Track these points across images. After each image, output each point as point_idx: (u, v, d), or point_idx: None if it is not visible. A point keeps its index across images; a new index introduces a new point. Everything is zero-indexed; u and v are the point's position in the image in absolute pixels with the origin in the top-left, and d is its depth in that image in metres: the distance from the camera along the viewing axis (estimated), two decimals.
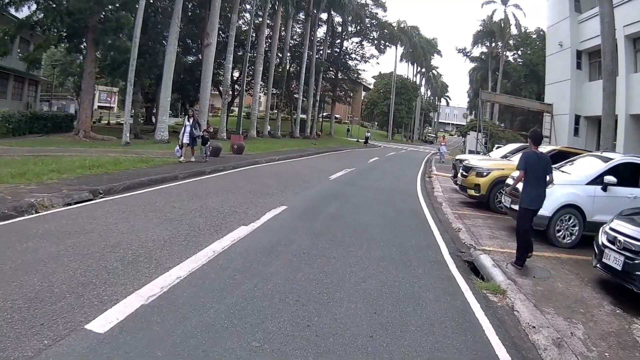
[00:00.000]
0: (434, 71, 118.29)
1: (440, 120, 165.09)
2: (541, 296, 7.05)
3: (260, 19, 49.02)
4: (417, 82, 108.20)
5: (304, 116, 62.50)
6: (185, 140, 18.91)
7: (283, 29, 56.17)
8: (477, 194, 15.06)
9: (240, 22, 49.89)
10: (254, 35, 47.73)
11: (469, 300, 6.60)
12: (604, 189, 10.79)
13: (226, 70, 39.88)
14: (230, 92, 50.77)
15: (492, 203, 14.65)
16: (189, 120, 19.41)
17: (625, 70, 28.12)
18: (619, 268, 7.15)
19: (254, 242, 8.09)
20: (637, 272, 6.89)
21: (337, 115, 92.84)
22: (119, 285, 5.50)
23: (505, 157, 18.82)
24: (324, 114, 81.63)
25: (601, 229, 8.38)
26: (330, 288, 6.30)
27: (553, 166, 10.76)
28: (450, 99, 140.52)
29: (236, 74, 56.74)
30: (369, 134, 67.04)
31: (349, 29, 69.67)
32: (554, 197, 10.51)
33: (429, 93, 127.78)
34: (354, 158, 34.51)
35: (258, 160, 22.88)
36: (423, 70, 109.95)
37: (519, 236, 8.65)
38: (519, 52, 77.69)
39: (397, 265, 7.79)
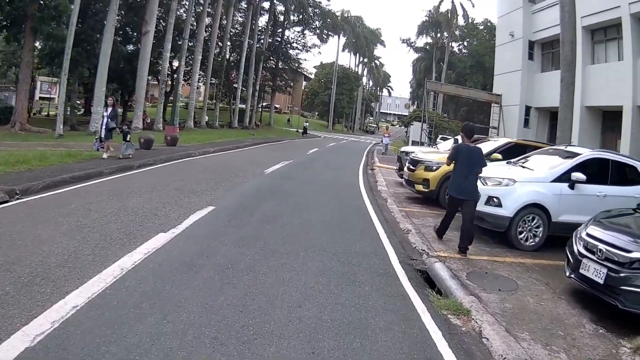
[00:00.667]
0: (376, 61, 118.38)
1: (382, 111, 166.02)
2: (512, 316, 6.20)
3: (201, 7, 47.24)
4: (359, 72, 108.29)
5: (244, 106, 61.29)
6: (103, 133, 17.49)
7: (224, 17, 54.63)
8: (426, 190, 14.21)
9: (181, 11, 48.14)
10: (195, 23, 46.69)
11: (427, 327, 5.65)
12: (572, 187, 10.04)
13: (164, 59, 38.49)
14: (170, 82, 49.49)
15: (443, 199, 13.53)
16: (106, 110, 17.88)
17: (582, 62, 27.95)
18: (601, 281, 6.43)
19: (171, 255, 6.97)
20: (622, 287, 6.17)
21: (277, 105, 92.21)
22: (5, 319, 4.48)
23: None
24: (264, 104, 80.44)
25: (575, 234, 7.69)
26: (257, 317, 5.22)
27: (512, 161, 11.73)
28: (392, 89, 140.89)
29: (177, 64, 54.09)
30: (307, 123, 64.98)
31: (292, 18, 68.47)
32: (516, 196, 9.96)
33: (371, 83, 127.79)
34: (293, 149, 33.59)
35: (191, 152, 21.72)
36: (365, 60, 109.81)
37: (445, 220, 9.95)
38: (465, 43, 78.84)
39: (340, 282, 6.72)
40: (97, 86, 30.37)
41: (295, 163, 22.78)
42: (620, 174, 10.94)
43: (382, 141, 43.12)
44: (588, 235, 7.12)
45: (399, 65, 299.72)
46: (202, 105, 54.25)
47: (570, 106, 17.27)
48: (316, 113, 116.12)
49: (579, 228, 7.73)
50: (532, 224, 9.98)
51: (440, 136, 45.46)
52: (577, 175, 9.90)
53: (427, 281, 7.63)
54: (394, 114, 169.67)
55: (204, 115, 49.91)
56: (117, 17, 33.11)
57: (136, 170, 15.26)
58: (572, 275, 7.11)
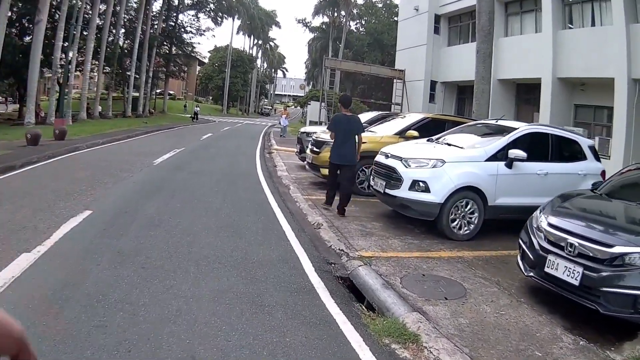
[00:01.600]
0: (271, 43, 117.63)
1: (277, 92, 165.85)
2: (473, 336, 5.12)
3: None
4: (254, 55, 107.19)
5: (139, 94, 59.25)
6: None
7: (118, 3, 52.03)
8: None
9: None
10: (90, 11, 44.62)
11: None
12: (509, 166, 9.25)
13: (56, 48, 36.05)
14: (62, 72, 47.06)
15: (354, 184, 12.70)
16: None
17: (495, 34, 28.24)
18: (576, 282, 5.47)
19: (31, 286, 5.49)
20: (603, 288, 5.27)
21: (171, 92, 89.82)
22: None
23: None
24: (158, 91, 78.26)
25: (530, 223, 6.76)
26: None
27: (433, 138, 11.04)
28: (287, 71, 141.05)
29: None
30: (198, 108, 61.93)
31: (186, 1, 67.16)
32: (446, 179, 8.96)
33: (265, 65, 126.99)
34: (186, 136, 32.45)
35: (79, 145, 20.38)
36: (260, 42, 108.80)
37: (329, 186, 10.99)
38: (363, 22, 79.20)
39: (244, 309, 5.37)
40: None
41: (187, 151, 21.92)
42: (561, 150, 10.38)
43: (279, 123, 41.75)
44: (551, 225, 6.16)
45: (294, 46, 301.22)
46: (95, 95, 51.92)
47: (488, 78, 17.45)
48: (210, 97, 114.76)
49: (533, 216, 6.87)
50: (466, 209, 9.17)
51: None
52: (516, 153, 9.08)
53: (353, 290, 6.56)
54: (290, 95, 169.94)
55: (97, 105, 47.54)
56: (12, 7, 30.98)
57: (18, 171, 13.89)
58: (533, 274, 6.22)
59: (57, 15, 40.81)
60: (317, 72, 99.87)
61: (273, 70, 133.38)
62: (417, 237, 9.15)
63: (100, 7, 46.65)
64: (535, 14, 27.55)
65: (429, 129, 13.02)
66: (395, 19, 73.67)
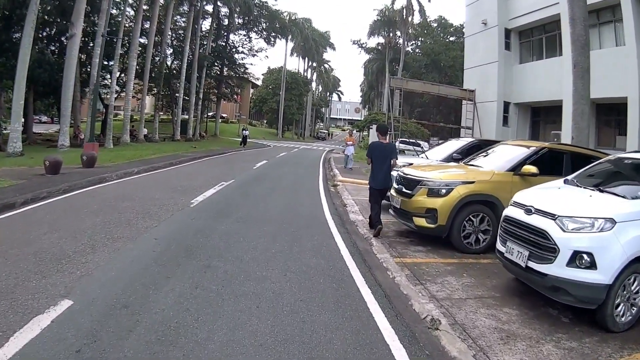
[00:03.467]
0: (325, 65, 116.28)
1: (331, 116, 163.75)
2: None
3: (136, 8, 42.81)
4: (308, 77, 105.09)
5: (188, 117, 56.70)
6: None
7: (164, 21, 49.66)
8: (432, 225, 9.61)
9: (115, 11, 43.67)
10: (131, 25, 42.40)
11: None
12: None
13: (93, 65, 33.46)
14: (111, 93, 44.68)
15: (458, 239, 9.56)
16: None
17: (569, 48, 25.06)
18: None
19: None
20: None
21: (224, 115, 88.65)
22: None
23: (453, 160, 13.54)
24: (210, 114, 76.09)
25: None
26: None
27: (570, 178, 7.88)
28: (342, 94, 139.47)
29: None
30: (246, 131, 55.39)
31: (237, 20, 64.25)
32: (617, 249, 5.77)
33: (320, 88, 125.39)
34: (237, 163, 28.68)
35: (107, 176, 17.12)
36: (314, 64, 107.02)
37: (372, 209, 10.89)
38: (419, 42, 77.29)
39: None
40: (14, 99, 25.89)
41: (236, 184, 18.05)
42: None
43: (344, 152, 31.64)
44: None
45: (348, 69, 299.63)
46: (149, 117, 49.55)
47: (587, 97, 14.16)
48: (265, 121, 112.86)
49: None
50: (632, 288, 6.02)
51: (399, 139, 41.83)
52: None
53: None
54: (344, 119, 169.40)
55: (142, 128, 44.89)
56: (48, 23, 29.13)
57: (16, 211, 10.72)
58: None
59: (92, 29, 38.93)
60: (373, 95, 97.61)
61: (328, 93, 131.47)
62: (572, 335, 5.86)
63: (146, 25, 44.39)
64: (614, 25, 24.42)
65: (544, 163, 10.06)
66: (451, 38, 72.77)
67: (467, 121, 36.50)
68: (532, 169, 9.59)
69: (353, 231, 11.22)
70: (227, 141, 56.26)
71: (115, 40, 33.90)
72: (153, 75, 47.61)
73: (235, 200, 14.11)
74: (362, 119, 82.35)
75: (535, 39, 32.15)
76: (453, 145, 14.99)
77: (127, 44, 43.98)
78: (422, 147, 50.02)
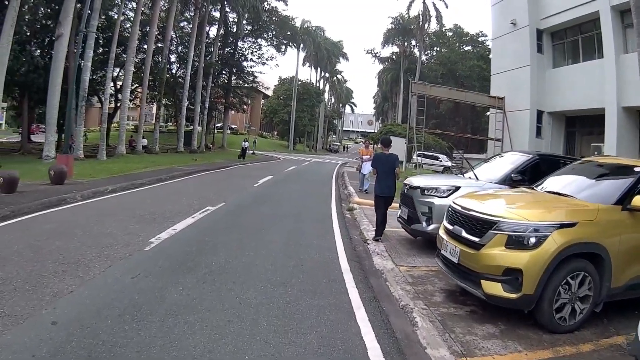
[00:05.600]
0: (338, 76, 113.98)
1: (344, 128, 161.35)
2: None
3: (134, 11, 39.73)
4: (321, 88, 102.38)
5: (199, 127, 54.41)
6: None
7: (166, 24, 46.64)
8: (513, 295, 5.98)
9: (113, 13, 40.74)
10: (129, 29, 39.64)
11: None
12: None
13: (84, 69, 30.24)
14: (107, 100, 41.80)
15: (548, 313, 5.96)
16: None
17: (614, 50, 21.88)
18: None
19: None
20: None
21: (233, 126, 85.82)
22: None
23: (513, 182, 9.91)
24: (218, 125, 73.05)
25: None
26: None
27: None
28: (355, 105, 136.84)
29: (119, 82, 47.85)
30: (246, 143, 49.96)
31: (246, 27, 61.65)
32: None
33: (333, 99, 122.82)
34: (236, 180, 24.90)
35: (70, 197, 13.94)
36: (327, 75, 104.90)
37: (377, 217, 11.23)
38: (434, 52, 78.15)
39: None
40: None
41: (226, 209, 14.23)
42: None
43: (359, 168, 23.61)
44: None
45: (361, 80, 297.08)
46: (151, 127, 46.62)
47: None
48: (275, 133, 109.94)
49: None
50: None
51: (416, 152, 38.35)
52: None
53: None
54: (357, 131, 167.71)
55: (140, 138, 41.59)
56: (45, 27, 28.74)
57: None
58: None
59: (98, 36, 36.18)
60: (387, 107, 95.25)
61: (341, 104, 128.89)
62: None
63: (147, 29, 41.62)
64: None
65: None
66: (467, 48, 70.26)
67: (497, 132, 32.91)
68: None
69: (382, 292, 7.43)
70: (234, 153, 51.92)
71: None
72: (154, 82, 44.47)
73: (214, 238, 10.24)
74: (375, 131, 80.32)
75: (569, 41, 29.15)
76: (508, 161, 11.17)
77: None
78: (440, 160, 47.35)
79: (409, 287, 7.52)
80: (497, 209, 6.66)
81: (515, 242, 6.05)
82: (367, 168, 21.70)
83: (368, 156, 22.36)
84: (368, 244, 10.85)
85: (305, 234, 11.58)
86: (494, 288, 6.12)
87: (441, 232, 7.61)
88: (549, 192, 7.65)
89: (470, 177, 10.92)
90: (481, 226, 6.50)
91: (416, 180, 11.14)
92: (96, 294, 6.24)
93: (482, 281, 6.25)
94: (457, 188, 9.87)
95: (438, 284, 7.83)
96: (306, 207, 16.66)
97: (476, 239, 6.48)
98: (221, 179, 25.01)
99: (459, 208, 7.14)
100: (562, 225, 6.02)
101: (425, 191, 10.27)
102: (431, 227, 9.76)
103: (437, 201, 9.86)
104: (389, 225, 12.06)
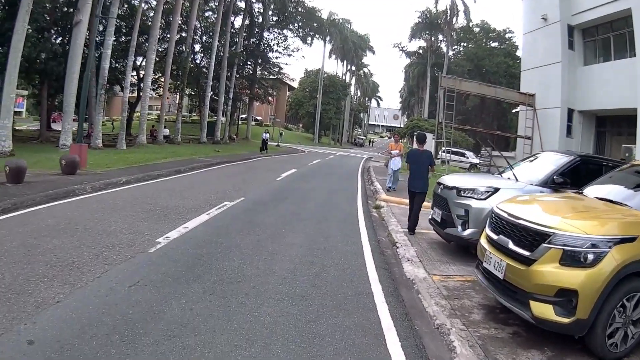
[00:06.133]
0: (365, 69, 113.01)
1: (369, 122, 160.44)
2: None
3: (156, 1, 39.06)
4: (347, 81, 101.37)
5: (222, 118, 53.42)
6: None
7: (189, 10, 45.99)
8: (566, 320, 5.03)
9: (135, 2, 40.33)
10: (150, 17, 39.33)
11: None
12: None
13: (104, 57, 29.60)
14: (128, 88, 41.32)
15: (600, 339, 5.07)
16: None
17: None
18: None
19: None
20: None
21: (258, 117, 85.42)
22: None
23: (555, 184, 8.91)
24: (243, 116, 73.15)
25: None
26: None
27: None
28: (381, 100, 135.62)
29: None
30: (267, 134, 48.15)
31: (272, 17, 60.86)
32: None
33: (359, 93, 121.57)
34: (258, 173, 24.03)
35: (79, 188, 13.17)
36: (353, 68, 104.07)
37: (410, 211, 11.60)
38: (461, 48, 77.21)
39: None
40: (4, 92, 22.06)
41: (243, 206, 13.22)
42: None
43: (388, 164, 23.20)
44: None
45: (386, 75, 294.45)
46: (174, 117, 46.29)
47: None
48: (301, 125, 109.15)
49: None
50: None
51: (442, 149, 37.17)
52: None
53: None
54: (383, 126, 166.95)
55: (162, 128, 40.85)
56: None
57: None
58: None
59: (118, 24, 35.67)
60: (413, 102, 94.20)
61: (367, 98, 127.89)
62: None
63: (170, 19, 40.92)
64: None
65: None
66: (494, 44, 69.53)
67: (526, 130, 31.72)
68: None
69: (414, 308, 6.50)
70: (258, 145, 50.55)
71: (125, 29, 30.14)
72: (178, 71, 43.85)
73: (228, 239, 9.26)
74: (401, 125, 79.71)
75: (600, 38, 28.12)
76: (547, 162, 10.04)
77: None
78: (467, 157, 46.25)
79: (444, 302, 6.56)
80: (550, 219, 5.68)
81: (571, 259, 5.14)
82: (396, 164, 20.48)
83: (398, 151, 20.97)
84: (397, 247, 9.88)
85: (329, 236, 10.56)
86: (544, 311, 5.20)
87: (483, 242, 6.63)
88: (600, 198, 6.69)
89: (509, 178, 9.85)
90: (532, 238, 5.54)
91: (451, 180, 10.12)
92: (84, 306, 5.34)
93: (532, 302, 5.32)
94: (497, 190, 8.89)
95: (475, 298, 6.87)
96: (331, 204, 15.72)
97: (526, 253, 5.53)
98: (242, 171, 24.12)
99: (505, 215, 6.18)
100: (622, 240, 5.13)
101: (462, 192, 9.26)
102: (467, 232, 8.84)
103: (474, 204, 8.89)
104: (419, 226, 11.43)
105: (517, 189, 8.83)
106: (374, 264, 8.51)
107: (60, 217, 9.78)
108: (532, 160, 11.12)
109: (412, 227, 11.25)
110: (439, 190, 10.10)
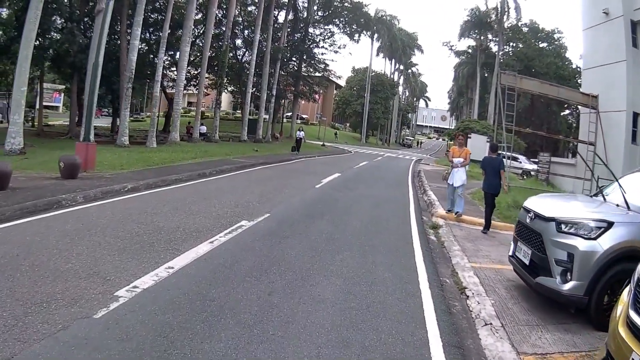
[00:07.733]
0: (413, 68, 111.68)
1: (417, 123, 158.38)
2: None
3: None
4: (395, 80, 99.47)
5: (265, 116, 51.67)
6: None
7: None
8: None
9: None
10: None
11: None
12: None
13: (131, 48, 27.36)
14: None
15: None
16: None
17: None
18: None
19: None
20: None
21: (304, 115, 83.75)
22: None
23: None
24: (288, 114, 72.48)
25: None
26: None
27: None
28: (429, 100, 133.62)
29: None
30: (301, 132, 44.56)
31: (317, 12, 58.90)
32: None
33: (407, 93, 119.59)
34: (296, 177, 21.13)
35: (70, 197, 10.87)
36: (401, 67, 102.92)
37: (486, 211, 12.75)
38: (510, 47, 75.51)
39: None
40: (15, 84, 20.88)
41: (266, 226, 10.28)
42: None
43: (446, 177, 17.39)
44: None
45: (434, 75, 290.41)
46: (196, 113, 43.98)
47: None
48: (348, 124, 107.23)
49: None
50: None
51: (502, 154, 33.91)
52: None
53: None
54: (430, 127, 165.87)
55: (197, 125, 38.59)
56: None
57: None
58: None
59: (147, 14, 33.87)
60: (462, 102, 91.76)
61: (415, 98, 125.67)
62: None
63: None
64: None
65: None
66: (543, 44, 66.48)
67: (589, 135, 28.16)
68: None
69: None
70: (304, 145, 48.27)
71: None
72: (215, 66, 41.69)
73: (224, 292, 6.16)
74: (449, 127, 77.46)
75: None
76: None
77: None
78: (519, 162, 42.85)
79: None
80: None
81: None
82: (460, 177, 14.13)
83: (461, 159, 14.25)
84: (467, 296, 7.06)
85: (375, 281, 7.45)
86: None
87: (622, 331, 3.89)
88: None
89: (618, 205, 6.76)
90: None
91: (545, 207, 7.09)
92: None
93: None
94: (610, 224, 6.05)
95: None
96: (379, 222, 12.75)
97: None
98: (278, 175, 21.37)
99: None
100: None
101: (563, 226, 6.36)
102: (569, 286, 6.10)
103: (582, 244, 6.08)
104: (492, 260, 9.14)
105: (635, 222, 6.12)
106: (439, 334, 5.63)
107: (13, 244, 7.18)
108: (632, 178, 7.76)
109: (487, 227, 12.80)
110: (529, 220, 7.17)
